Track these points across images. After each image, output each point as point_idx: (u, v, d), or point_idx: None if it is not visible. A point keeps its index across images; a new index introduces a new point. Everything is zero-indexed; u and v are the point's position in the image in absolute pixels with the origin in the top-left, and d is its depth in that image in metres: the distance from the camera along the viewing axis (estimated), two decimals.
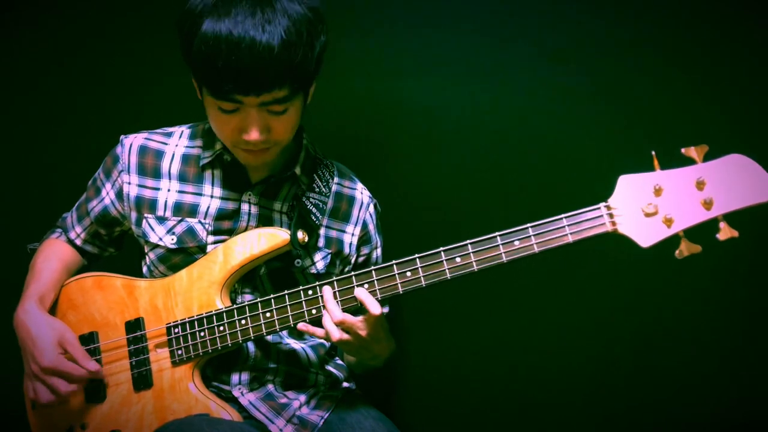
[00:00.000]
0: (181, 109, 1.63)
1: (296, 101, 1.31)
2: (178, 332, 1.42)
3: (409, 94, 1.86)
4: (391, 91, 1.87)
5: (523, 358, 1.84)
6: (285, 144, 1.38)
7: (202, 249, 1.46)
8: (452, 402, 1.89)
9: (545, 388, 1.83)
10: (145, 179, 1.48)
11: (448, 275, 1.28)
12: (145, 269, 1.53)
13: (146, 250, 1.50)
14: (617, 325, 1.77)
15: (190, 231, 1.46)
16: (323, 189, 1.51)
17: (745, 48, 1.65)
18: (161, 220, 1.47)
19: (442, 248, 1.29)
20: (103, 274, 1.51)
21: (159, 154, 1.49)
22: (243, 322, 1.39)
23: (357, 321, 1.31)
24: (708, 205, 1.15)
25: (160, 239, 1.46)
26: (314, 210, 1.47)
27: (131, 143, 1.49)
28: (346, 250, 1.53)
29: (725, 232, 1.15)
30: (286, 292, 1.37)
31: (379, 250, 1.60)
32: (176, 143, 1.50)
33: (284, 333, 1.52)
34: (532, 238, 1.24)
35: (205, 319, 1.41)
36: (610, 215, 1.20)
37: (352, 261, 1.56)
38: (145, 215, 1.47)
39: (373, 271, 1.32)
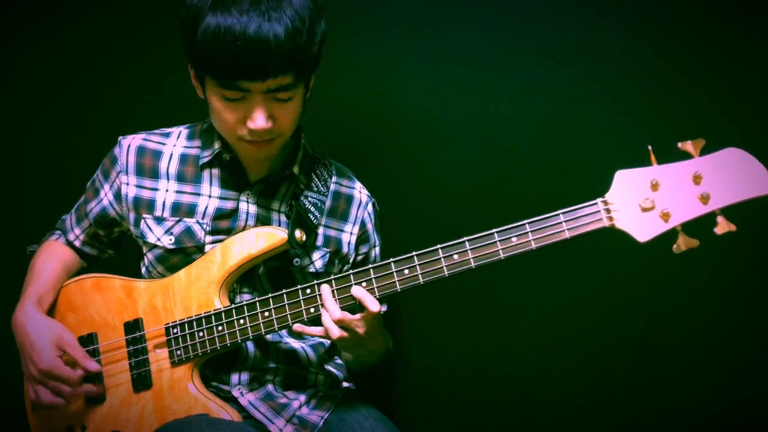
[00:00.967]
0: (180, 109, 1.64)
1: (299, 90, 1.33)
2: (177, 332, 1.42)
3: (408, 94, 1.86)
4: (390, 91, 1.87)
5: (522, 356, 1.84)
6: (287, 137, 1.38)
7: (200, 249, 1.46)
8: (452, 401, 1.89)
9: (545, 386, 1.83)
10: (143, 180, 1.48)
11: (446, 272, 1.28)
12: (143, 270, 1.53)
13: (144, 251, 1.50)
14: (616, 322, 1.77)
15: (188, 231, 1.46)
16: (321, 188, 1.51)
17: (739, 41, 1.64)
18: (159, 220, 1.47)
19: (439, 246, 1.29)
20: (102, 276, 1.51)
21: (157, 155, 1.49)
22: (241, 321, 1.39)
23: (355, 319, 1.32)
24: (705, 199, 1.15)
25: (158, 239, 1.46)
26: (312, 209, 1.47)
27: (129, 144, 1.50)
28: (345, 249, 1.53)
29: (723, 226, 1.14)
30: (284, 291, 1.37)
31: (377, 249, 1.60)
32: (174, 143, 1.51)
33: (284, 332, 1.52)
34: (530, 234, 1.24)
35: (203, 319, 1.41)
36: (607, 210, 1.20)
37: (351, 260, 1.56)
38: (143, 216, 1.48)
39: (371, 269, 1.32)
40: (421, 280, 1.30)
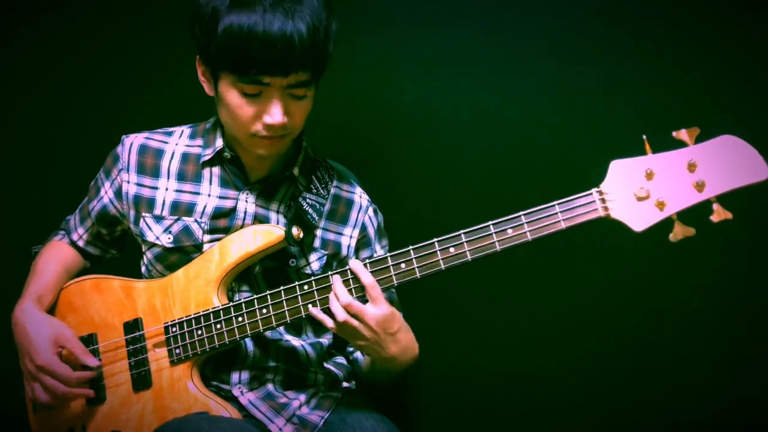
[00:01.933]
0: (182, 109, 1.65)
1: (312, 89, 1.36)
2: (176, 331, 1.42)
3: (408, 93, 1.87)
4: (390, 91, 1.88)
5: (522, 354, 1.83)
6: (295, 135, 1.41)
7: (198, 248, 1.46)
8: (452, 401, 1.88)
9: (544, 385, 1.82)
10: (144, 178, 1.49)
11: (442, 266, 1.28)
12: (143, 269, 1.54)
13: (144, 250, 1.51)
14: (616, 322, 1.76)
15: (186, 230, 1.47)
16: (321, 191, 1.51)
17: (732, 30, 1.64)
18: (158, 219, 1.48)
19: (435, 239, 1.29)
20: (102, 277, 1.52)
21: (159, 153, 1.50)
22: (240, 319, 1.39)
23: (365, 307, 1.29)
24: (700, 187, 1.14)
25: (157, 238, 1.47)
26: (311, 211, 1.48)
27: (132, 142, 1.51)
28: (344, 252, 1.53)
29: (719, 214, 1.14)
30: (282, 288, 1.37)
31: (381, 252, 1.59)
32: (176, 142, 1.52)
33: (283, 330, 1.52)
34: (525, 225, 1.23)
35: (201, 318, 1.41)
36: (603, 200, 1.20)
37: None
38: (143, 214, 1.48)
39: (368, 264, 1.32)
40: (417, 273, 1.29)
